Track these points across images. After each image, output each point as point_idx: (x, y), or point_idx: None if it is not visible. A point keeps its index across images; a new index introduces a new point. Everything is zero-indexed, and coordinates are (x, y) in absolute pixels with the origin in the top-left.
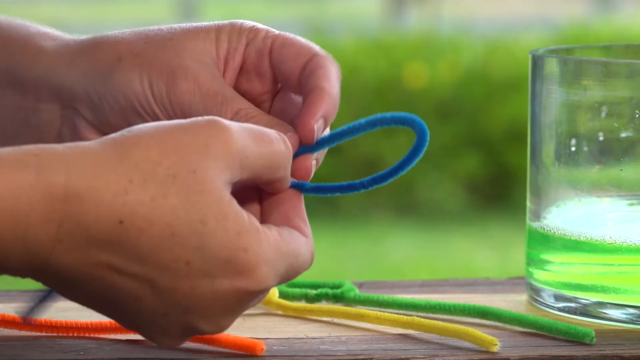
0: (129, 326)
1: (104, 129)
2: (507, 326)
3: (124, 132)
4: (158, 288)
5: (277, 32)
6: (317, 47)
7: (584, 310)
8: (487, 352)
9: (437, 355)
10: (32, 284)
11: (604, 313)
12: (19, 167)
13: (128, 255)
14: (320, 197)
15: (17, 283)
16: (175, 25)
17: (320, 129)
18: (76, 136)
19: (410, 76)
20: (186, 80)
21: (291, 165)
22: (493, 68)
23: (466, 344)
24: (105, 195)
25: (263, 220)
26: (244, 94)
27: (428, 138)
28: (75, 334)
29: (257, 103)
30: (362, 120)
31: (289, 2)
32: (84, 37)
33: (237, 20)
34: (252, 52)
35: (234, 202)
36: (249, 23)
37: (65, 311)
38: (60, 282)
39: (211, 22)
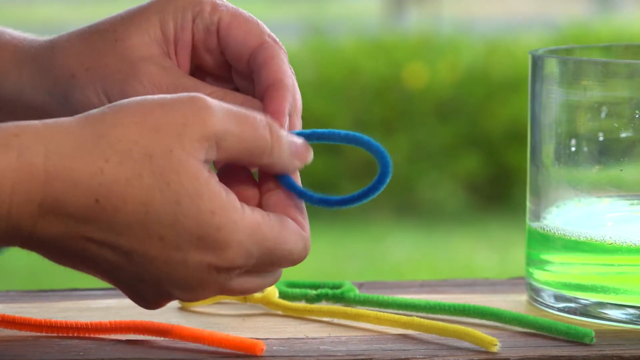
0: (115, 286)
1: None
2: (507, 326)
3: (106, 108)
4: (133, 259)
5: (223, 6)
6: (264, 30)
7: (584, 311)
8: (487, 352)
9: (437, 356)
10: (32, 284)
11: (604, 313)
12: (1, 150)
13: (104, 230)
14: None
15: (17, 283)
16: (118, 17)
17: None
18: None
19: (410, 76)
20: (141, 83)
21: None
22: (493, 68)
23: (466, 344)
24: (82, 176)
25: (261, 205)
26: (201, 71)
27: (390, 173)
28: (75, 334)
29: (217, 79)
30: (341, 132)
31: (289, 2)
32: (36, 43)
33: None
34: (200, 29)
35: (212, 181)
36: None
37: (65, 311)
38: (45, 251)
39: (158, 4)
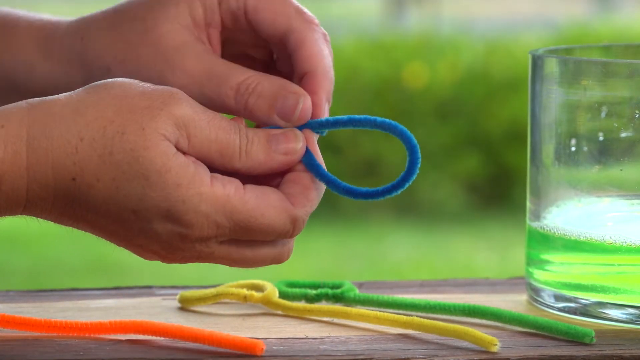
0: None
1: None
2: (507, 326)
3: (89, 87)
4: (112, 232)
5: None
6: (292, 8)
7: (584, 310)
8: (487, 352)
9: (437, 355)
10: (32, 284)
11: (604, 313)
12: None
13: (84, 209)
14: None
15: (17, 283)
16: (144, 3)
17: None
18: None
19: (410, 76)
20: (174, 74)
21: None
22: (493, 68)
23: (466, 344)
24: (59, 156)
25: (270, 182)
26: (237, 51)
27: (419, 162)
28: (74, 334)
29: (257, 55)
30: (377, 119)
31: None
32: (60, 28)
33: None
34: (228, 13)
35: (180, 156)
36: None
37: (64, 311)
38: (40, 219)
39: None
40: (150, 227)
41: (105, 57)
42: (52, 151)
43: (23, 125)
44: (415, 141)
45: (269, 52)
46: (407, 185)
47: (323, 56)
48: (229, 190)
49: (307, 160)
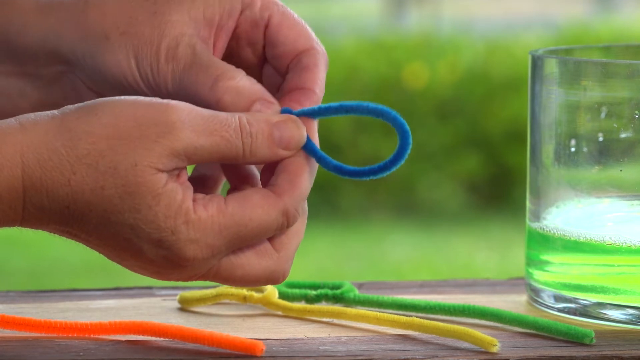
0: None
1: (102, 94)
2: (507, 327)
3: (80, 111)
4: (109, 249)
5: (275, 4)
6: (314, 37)
7: (584, 311)
8: (487, 352)
9: (437, 356)
10: (32, 285)
11: (604, 314)
12: None
13: (78, 230)
14: (320, 199)
15: (17, 283)
16: None
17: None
18: (79, 96)
19: (410, 76)
20: (165, 60)
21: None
22: (493, 68)
23: (466, 345)
24: (52, 186)
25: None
26: (234, 60)
27: (410, 141)
28: (74, 335)
29: (245, 69)
30: (362, 104)
31: (289, 2)
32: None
33: None
34: (247, 21)
35: (170, 185)
36: None
37: (64, 312)
38: (44, 235)
39: None
40: (143, 252)
41: (106, 25)
42: (46, 181)
43: (17, 151)
44: (407, 127)
45: (260, 71)
46: (393, 168)
47: (320, 85)
48: (211, 211)
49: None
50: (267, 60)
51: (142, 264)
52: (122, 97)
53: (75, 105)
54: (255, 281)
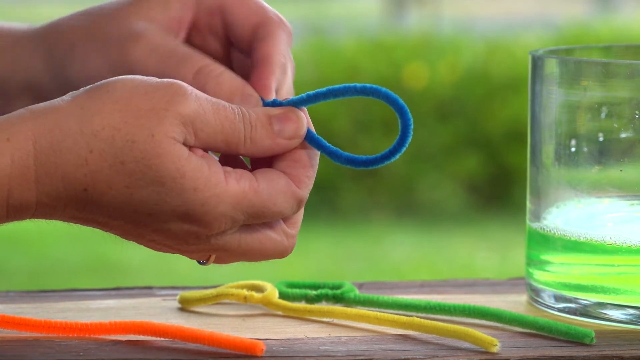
0: None
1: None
2: (507, 327)
3: (91, 90)
4: (126, 231)
5: None
6: (269, 9)
7: (584, 311)
8: (487, 352)
9: (437, 356)
10: (32, 284)
11: (604, 314)
12: None
13: (96, 213)
14: (320, 198)
15: (17, 283)
16: (121, 3)
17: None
18: None
19: (410, 76)
20: (138, 45)
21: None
22: (493, 68)
23: (466, 345)
24: (68, 168)
25: (270, 160)
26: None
27: (411, 128)
28: (74, 335)
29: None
30: (357, 85)
31: (289, 2)
32: (37, 26)
33: None
34: (203, 10)
35: (193, 158)
36: None
37: (64, 312)
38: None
39: None
40: (166, 227)
41: (71, 37)
42: (61, 165)
43: (29, 138)
44: (402, 102)
45: (228, 54)
46: (403, 149)
47: (280, 51)
48: (243, 185)
49: (307, 135)
50: (233, 45)
51: (163, 239)
52: (132, 76)
53: (84, 87)
54: (270, 255)
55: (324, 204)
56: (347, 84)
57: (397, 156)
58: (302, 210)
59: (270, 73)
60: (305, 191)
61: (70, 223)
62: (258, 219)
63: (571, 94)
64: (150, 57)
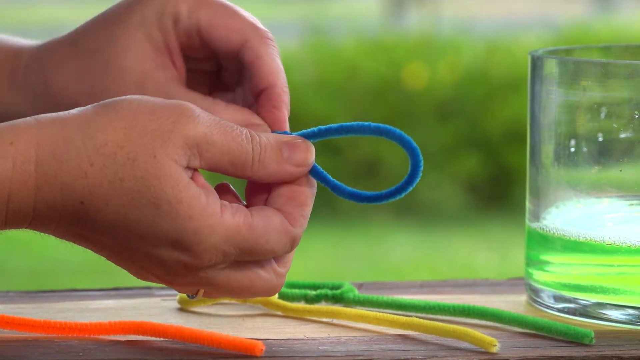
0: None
1: None
2: (507, 327)
3: (97, 107)
4: (118, 252)
5: (203, 4)
6: (248, 25)
7: (584, 311)
8: (487, 352)
9: (437, 356)
10: (31, 285)
11: (604, 314)
12: None
13: (89, 229)
14: (320, 199)
15: (17, 283)
16: (100, 32)
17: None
18: None
19: (410, 76)
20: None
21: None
22: (493, 68)
23: (465, 345)
24: (68, 179)
25: (266, 197)
26: (193, 74)
27: (421, 167)
28: (74, 335)
29: (206, 68)
30: (371, 125)
31: (289, 2)
32: (25, 57)
33: (160, 1)
34: (182, 32)
35: (192, 186)
36: (171, 1)
37: (64, 312)
38: (43, 234)
39: (137, 15)
40: (156, 252)
41: (72, 92)
42: (62, 174)
43: (32, 144)
44: (414, 144)
45: (218, 64)
46: (410, 188)
47: (279, 71)
48: (238, 220)
49: (312, 168)
50: (219, 60)
51: (153, 267)
52: (140, 96)
53: (93, 104)
54: (257, 293)
55: (324, 204)
56: (360, 122)
57: (403, 195)
58: (293, 250)
59: (280, 103)
60: (299, 230)
61: (63, 240)
62: (250, 255)
63: (571, 94)
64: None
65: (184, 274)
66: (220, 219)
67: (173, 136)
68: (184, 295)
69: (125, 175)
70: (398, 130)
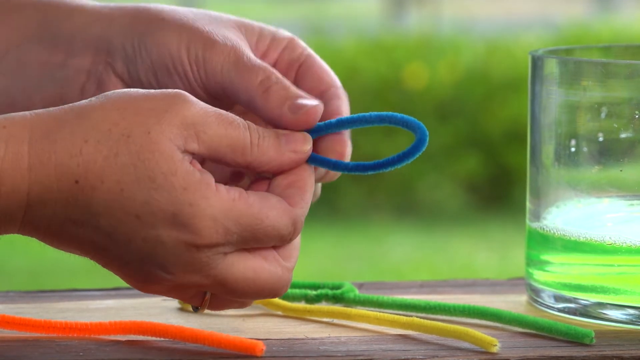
0: (106, 268)
1: (133, 85)
2: (507, 327)
3: (93, 98)
4: (115, 239)
5: (309, 50)
6: (334, 77)
7: (584, 311)
8: (487, 352)
9: (437, 356)
10: (31, 285)
11: (604, 314)
12: None
13: (85, 212)
14: (320, 199)
15: (17, 283)
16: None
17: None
18: (99, 90)
19: (410, 76)
20: (225, 47)
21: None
22: (493, 68)
23: (466, 345)
24: (62, 157)
25: (270, 185)
26: None
27: (426, 143)
28: (74, 335)
29: None
30: (372, 114)
31: (289, 2)
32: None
33: (269, 27)
34: (285, 61)
35: (186, 162)
36: (286, 34)
37: (64, 312)
38: (39, 235)
39: (245, 22)
40: (154, 234)
41: (165, 15)
42: (55, 153)
43: (25, 128)
44: (418, 121)
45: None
46: (415, 156)
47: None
48: (233, 194)
49: (310, 157)
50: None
51: (151, 257)
52: (133, 89)
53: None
54: (262, 288)
55: (324, 204)
56: (361, 114)
57: (408, 161)
58: (297, 244)
59: (345, 141)
60: (299, 211)
61: (60, 246)
62: (252, 236)
63: (571, 94)
64: (229, 60)
65: (186, 258)
66: (215, 191)
67: (168, 115)
68: None
69: (120, 150)
70: (399, 114)
